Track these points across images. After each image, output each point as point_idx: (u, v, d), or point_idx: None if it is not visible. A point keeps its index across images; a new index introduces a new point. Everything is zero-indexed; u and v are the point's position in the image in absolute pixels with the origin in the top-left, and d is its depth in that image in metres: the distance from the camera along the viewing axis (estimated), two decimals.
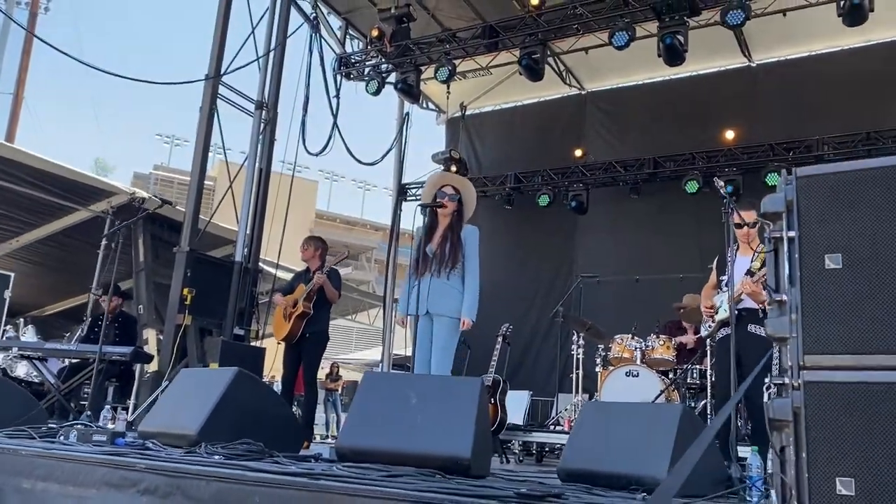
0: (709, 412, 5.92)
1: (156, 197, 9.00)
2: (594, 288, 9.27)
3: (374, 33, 9.01)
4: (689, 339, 7.23)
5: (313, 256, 6.27)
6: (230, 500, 2.33)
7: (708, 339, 5.49)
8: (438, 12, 9.67)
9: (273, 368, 7.53)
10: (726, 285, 4.31)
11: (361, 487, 2.23)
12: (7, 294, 8.67)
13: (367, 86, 9.47)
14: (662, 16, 7.54)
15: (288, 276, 7.07)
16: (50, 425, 4.02)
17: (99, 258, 8.33)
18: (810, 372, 1.95)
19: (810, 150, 8.63)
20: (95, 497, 2.63)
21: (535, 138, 11.10)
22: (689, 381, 6.67)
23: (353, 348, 24.47)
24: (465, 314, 4.56)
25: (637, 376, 6.59)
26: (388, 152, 10.76)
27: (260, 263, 8.12)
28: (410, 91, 9.38)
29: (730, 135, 9.23)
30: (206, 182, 7.80)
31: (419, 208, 4.71)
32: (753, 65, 9.86)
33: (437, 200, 4.69)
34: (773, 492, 1.91)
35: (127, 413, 6.02)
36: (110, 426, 4.44)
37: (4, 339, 8.33)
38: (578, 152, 10.35)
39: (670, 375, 6.83)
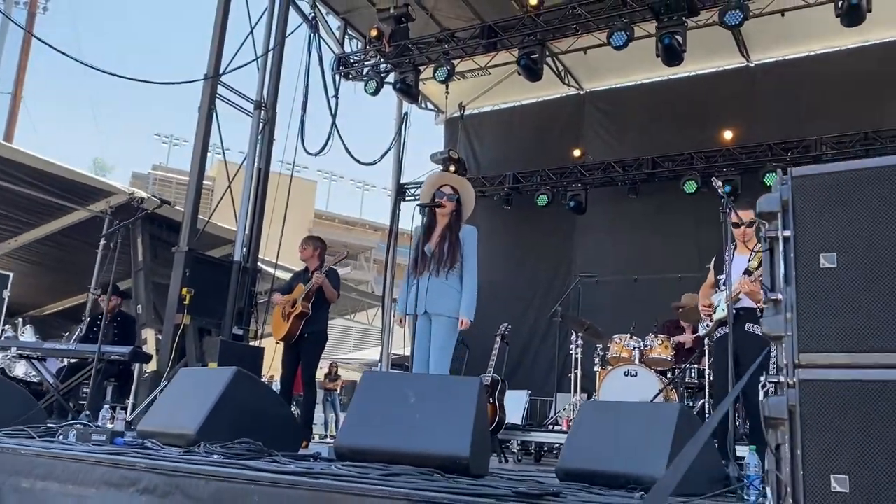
0: (707, 411, 5.93)
1: (155, 197, 9.01)
2: (592, 288, 9.29)
3: (373, 33, 9.02)
4: (687, 338, 7.23)
5: (312, 256, 6.27)
6: (229, 499, 2.34)
7: (706, 339, 5.50)
8: (437, 12, 9.68)
9: (272, 368, 7.53)
10: (724, 284, 4.32)
11: (360, 486, 2.23)
12: (6, 294, 8.67)
13: (365, 86, 9.48)
14: (661, 16, 7.55)
15: (287, 276, 7.08)
16: (49, 425, 4.02)
17: (98, 258, 8.34)
18: (805, 370, 1.97)
19: (808, 151, 8.64)
20: (95, 496, 2.63)
21: (534, 138, 11.11)
22: (687, 380, 6.68)
23: (351, 348, 24.48)
24: (463, 314, 4.57)
25: (635, 376, 6.60)
26: (386, 152, 10.76)
27: (259, 263, 8.12)
28: (409, 91, 9.39)
29: (728, 135, 9.24)
30: (204, 182, 7.81)
31: (418, 208, 4.72)
32: (752, 65, 9.87)
33: (436, 200, 4.70)
34: (768, 489, 1.92)
35: (125, 413, 6.02)
36: (109, 426, 4.44)
37: (3, 338, 8.32)
38: (577, 152, 10.36)
39: (668, 375, 6.84)
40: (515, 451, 7.19)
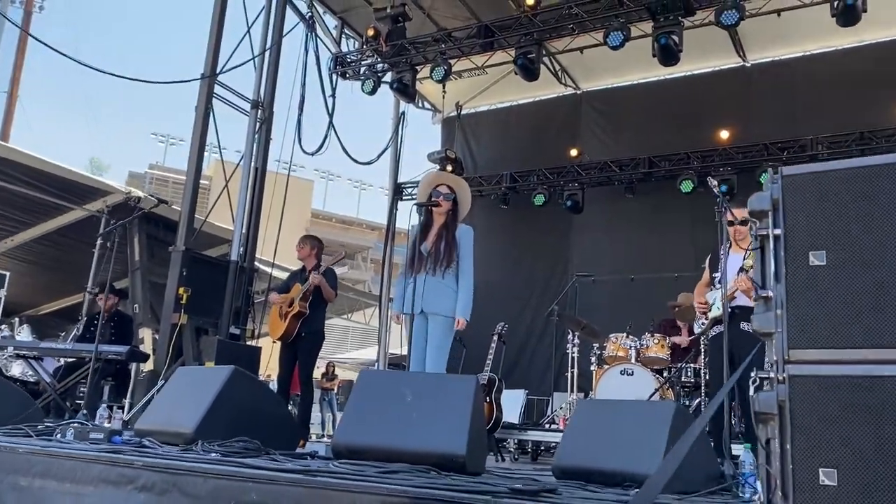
0: (703, 410, 5.95)
1: (151, 196, 9.00)
2: (589, 287, 9.31)
3: (370, 33, 9.03)
4: (683, 340, 7.26)
5: (309, 255, 6.28)
6: (227, 496, 2.34)
7: (702, 337, 5.52)
8: (434, 12, 9.69)
9: (269, 367, 7.54)
10: (719, 282, 4.34)
11: (357, 484, 2.24)
12: (2, 293, 8.67)
13: (362, 85, 9.48)
14: (657, 16, 7.57)
15: (284, 276, 7.08)
16: (46, 424, 4.02)
17: (94, 257, 8.33)
18: (795, 366, 1.99)
19: (804, 150, 8.67)
20: (93, 494, 2.64)
21: (531, 138, 11.13)
22: (683, 379, 6.70)
23: (348, 348, 24.46)
24: (459, 314, 4.57)
25: (632, 375, 6.62)
26: (383, 152, 10.79)
27: (256, 263, 8.12)
28: (406, 90, 9.39)
29: (724, 134, 9.27)
30: (201, 181, 7.80)
31: (415, 207, 4.72)
32: (748, 65, 9.91)
33: (432, 199, 4.71)
34: (758, 483, 1.94)
35: (122, 412, 6.01)
36: (106, 425, 4.45)
37: (0, 338, 8.31)
38: (574, 152, 10.38)
39: (665, 374, 6.87)
40: (512, 450, 7.20)
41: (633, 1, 7.76)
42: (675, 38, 7.49)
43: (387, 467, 2.67)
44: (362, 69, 9.71)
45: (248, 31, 8.21)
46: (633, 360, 6.83)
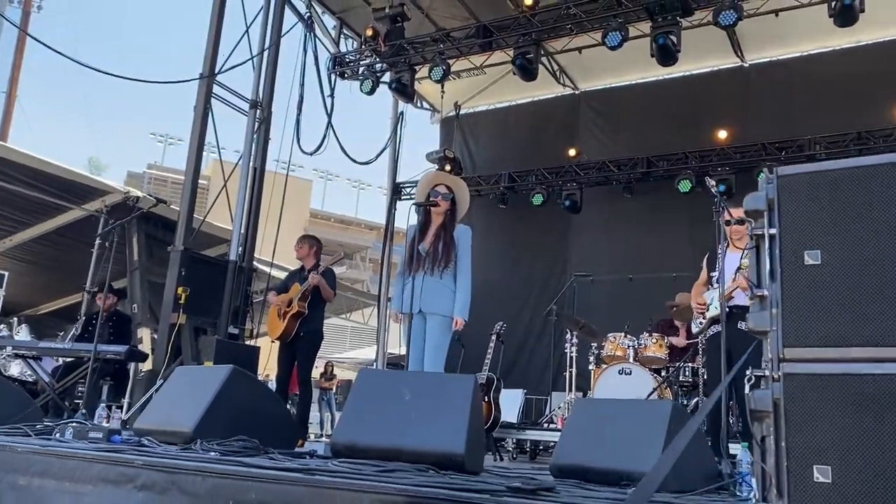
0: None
1: (150, 196, 9.00)
2: (588, 287, 9.32)
3: (369, 33, 9.04)
4: (680, 340, 7.27)
5: (308, 255, 6.28)
6: (226, 495, 2.35)
7: (699, 337, 5.53)
8: (432, 12, 9.70)
9: (267, 367, 7.54)
10: (717, 282, 4.35)
11: (356, 482, 2.25)
12: (1, 293, 8.67)
13: (361, 85, 9.49)
14: (655, 16, 7.58)
15: (282, 275, 7.08)
16: (45, 423, 4.02)
17: (93, 257, 8.33)
18: (789, 364, 2.02)
19: (802, 150, 8.69)
20: (92, 493, 2.65)
21: (529, 138, 11.14)
22: (681, 378, 6.71)
23: (347, 347, 24.47)
24: (457, 314, 4.58)
25: (630, 374, 6.62)
26: (382, 151, 10.81)
27: (254, 262, 8.13)
28: (405, 90, 9.40)
29: (722, 134, 9.29)
30: (200, 181, 7.80)
31: (414, 207, 4.73)
32: (746, 65, 9.92)
33: (431, 199, 4.71)
34: (748, 477, 1.96)
35: (121, 412, 6.02)
36: (105, 424, 4.45)
37: None
38: (572, 152, 10.40)
39: (663, 373, 6.88)
40: (511, 449, 7.21)
41: (631, 1, 7.77)
42: (674, 38, 7.51)
43: (385, 466, 2.68)
44: (361, 69, 9.72)
45: (247, 31, 8.21)
46: (631, 360, 6.84)
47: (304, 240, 6.39)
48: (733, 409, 5.30)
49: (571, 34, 8.70)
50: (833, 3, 7.05)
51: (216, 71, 7.72)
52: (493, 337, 6.99)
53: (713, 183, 4.35)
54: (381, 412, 3.18)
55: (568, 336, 7.69)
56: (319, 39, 9.61)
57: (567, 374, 7.50)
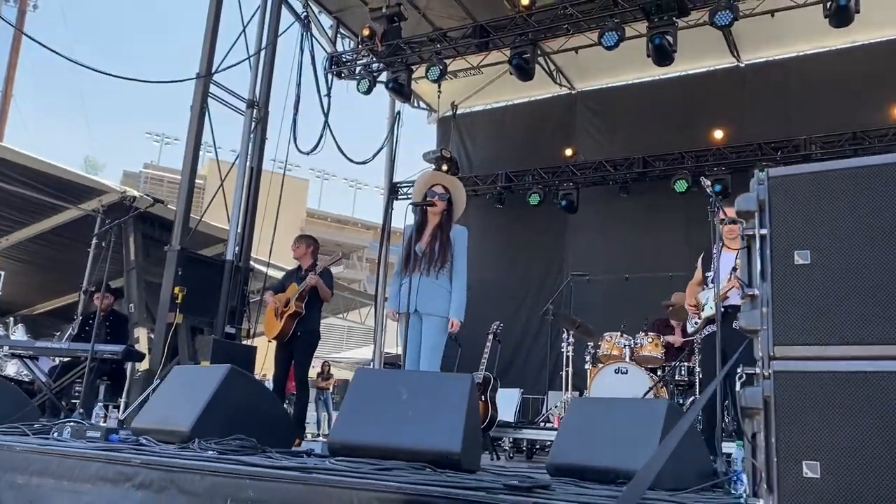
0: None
1: (147, 195, 8.99)
2: (584, 286, 9.34)
3: (366, 32, 9.04)
4: (676, 340, 7.30)
5: (305, 254, 6.29)
6: (224, 493, 2.36)
7: (695, 336, 5.55)
8: (429, 12, 9.70)
9: (264, 367, 7.55)
10: (712, 282, 4.37)
11: (353, 480, 2.26)
12: None
13: (358, 85, 9.48)
14: (651, 16, 7.60)
15: (279, 275, 7.09)
16: (43, 422, 4.03)
17: (90, 257, 8.32)
18: (780, 362, 2.05)
19: (798, 150, 8.72)
20: (90, 492, 2.66)
21: (526, 137, 11.16)
22: (676, 378, 6.74)
23: (344, 347, 24.49)
24: (452, 315, 4.58)
25: (626, 373, 6.65)
26: (379, 151, 10.80)
27: (251, 262, 8.13)
28: (401, 90, 9.41)
29: (718, 134, 9.31)
30: (196, 181, 7.80)
31: (410, 207, 4.74)
32: (742, 65, 9.95)
33: (428, 199, 4.72)
34: (743, 475, 1.99)
35: (118, 411, 6.02)
36: (102, 424, 4.46)
37: None
38: (569, 152, 10.42)
39: (659, 373, 6.90)
40: (507, 448, 7.22)
41: (627, 1, 7.79)
42: (670, 38, 7.52)
43: (382, 465, 2.69)
44: (358, 69, 9.72)
45: (244, 31, 8.21)
46: (627, 359, 6.86)
47: (301, 239, 6.40)
48: (728, 409, 5.33)
49: (568, 34, 8.72)
50: (828, 4, 7.07)
51: (213, 70, 7.72)
52: (490, 336, 7.00)
53: (708, 183, 4.37)
54: (378, 411, 3.19)
55: (564, 335, 7.70)
56: (316, 39, 9.62)
57: (563, 373, 7.51)
